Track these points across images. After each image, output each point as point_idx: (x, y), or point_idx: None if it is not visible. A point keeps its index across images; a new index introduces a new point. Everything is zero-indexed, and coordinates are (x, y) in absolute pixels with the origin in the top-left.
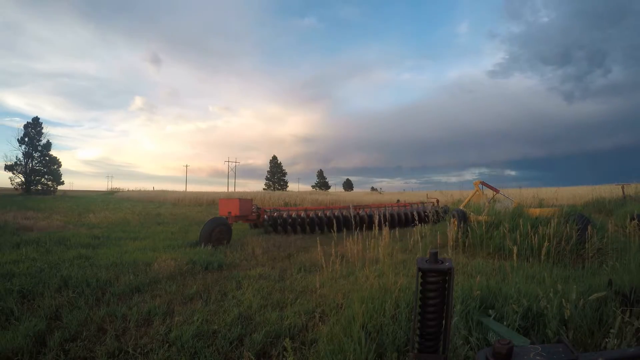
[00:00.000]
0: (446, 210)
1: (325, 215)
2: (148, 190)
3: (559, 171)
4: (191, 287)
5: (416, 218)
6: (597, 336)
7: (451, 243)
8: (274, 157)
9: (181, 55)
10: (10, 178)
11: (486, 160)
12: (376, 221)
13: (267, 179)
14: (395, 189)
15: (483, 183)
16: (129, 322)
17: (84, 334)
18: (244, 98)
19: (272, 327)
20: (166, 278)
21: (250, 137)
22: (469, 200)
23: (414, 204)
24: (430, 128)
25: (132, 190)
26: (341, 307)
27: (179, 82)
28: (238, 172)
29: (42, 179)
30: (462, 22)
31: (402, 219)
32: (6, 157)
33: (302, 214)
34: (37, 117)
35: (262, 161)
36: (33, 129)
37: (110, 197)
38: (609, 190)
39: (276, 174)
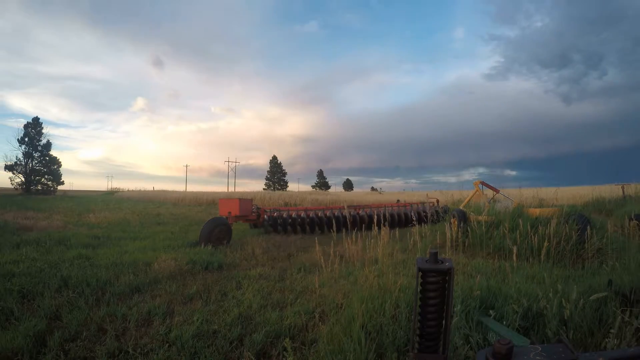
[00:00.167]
0: (446, 210)
1: (325, 215)
2: (148, 190)
3: (559, 171)
4: (191, 287)
5: (416, 218)
6: (597, 336)
7: (451, 243)
8: (274, 157)
9: (184, 59)
10: (10, 178)
11: (486, 161)
12: (375, 221)
13: (267, 179)
14: (395, 189)
15: (483, 183)
16: (129, 322)
17: (84, 334)
18: (246, 100)
19: (272, 327)
20: (166, 278)
21: (251, 138)
22: (469, 200)
23: (414, 204)
24: (430, 129)
25: (132, 190)
26: (341, 307)
27: (181, 84)
28: (238, 172)
29: (42, 179)
30: (458, 27)
31: (402, 219)
32: (6, 157)
33: (302, 214)
34: (37, 117)
35: (262, 161)
36: (33, 129)
37: (110, 197)
38: (609, 190)
39: (276, 174)
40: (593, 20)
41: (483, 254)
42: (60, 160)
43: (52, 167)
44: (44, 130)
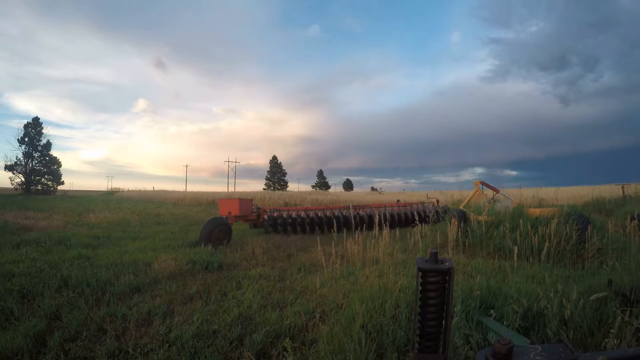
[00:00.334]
0: (446, 210)
1: (325, 215)
2: (148, 190)
3: (559, 171)
4: (191, 287)
5: (416, 218)
6: (597, 336)
7: (451, 243)
8: (274, 158)
9: (187, 62)
10: (10, 178)
11: (486, 161)
12: (376, 221)
13: (267, 179)
14: (395, 189)
15: (483, 183)
16: (129, 322)
17: (84, 334)
18: (247, 101)
19: (272, 327)
20: (166, 278)
21: (251, 138)
22: (469, 200)
23: (414, 204)
24: (429, 129)
25: (132, 190)
26: (341, 307)
27: (183, 86)
28: (238, 172)
29: (42, 179)
30: (454, 31)
31: (402, 219)
32: (6, 157)
33: (302, 214)
34: (37, 117)
35: (262, 161)
36: (33, 129)
37: (110, 197)
38: (609, 190)
39: (276, 174)
40: (589, 24)
41: (483, 254)
42: (60, 160)
43: (52, 167)
44: (44, 131)
